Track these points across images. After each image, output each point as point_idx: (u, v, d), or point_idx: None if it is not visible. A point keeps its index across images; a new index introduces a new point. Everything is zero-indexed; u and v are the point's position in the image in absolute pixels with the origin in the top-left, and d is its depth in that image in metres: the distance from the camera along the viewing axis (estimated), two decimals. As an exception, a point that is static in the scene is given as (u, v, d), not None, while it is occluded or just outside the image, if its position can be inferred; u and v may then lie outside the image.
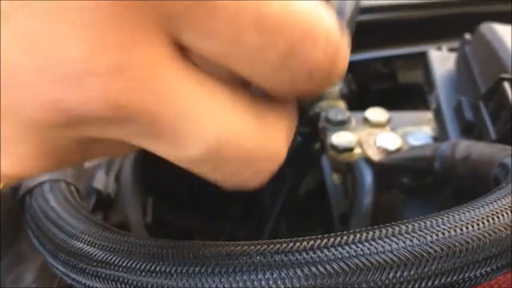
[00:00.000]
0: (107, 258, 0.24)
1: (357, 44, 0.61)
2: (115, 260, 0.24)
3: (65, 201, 0.30)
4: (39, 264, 0.34)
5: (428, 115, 0.45)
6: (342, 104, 0.58)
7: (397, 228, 0.22)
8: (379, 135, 0.40)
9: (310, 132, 0.46)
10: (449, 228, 0.22)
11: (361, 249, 0.21)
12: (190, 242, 0.24)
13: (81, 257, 0.25)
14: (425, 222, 0.22)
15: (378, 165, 0.38)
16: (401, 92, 0.63)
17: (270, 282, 0.21)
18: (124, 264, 0.24)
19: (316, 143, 0.46)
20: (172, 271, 0.23)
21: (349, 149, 0.39)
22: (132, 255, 0.24)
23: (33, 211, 0.30)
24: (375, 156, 0.38)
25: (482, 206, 0.23)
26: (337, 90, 0.60)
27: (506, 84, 0.34)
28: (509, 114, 0.33)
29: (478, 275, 0.22)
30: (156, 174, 0.45)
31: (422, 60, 0.48)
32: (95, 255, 0.25)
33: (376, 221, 0.36)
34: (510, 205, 0.23)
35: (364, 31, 0.61)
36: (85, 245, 0.26)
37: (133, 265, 0.24)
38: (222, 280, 0.22)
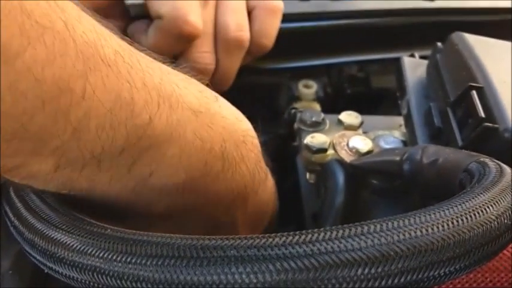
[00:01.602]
0: (84, 248, 0.25)
1: (333, 48, 0.62)
2: (92, 251, 0.25)
3: (44, 192, 0.31)
4: (16, 251, 0.34)
5: (400, 120, 0.46)
6: (317, 107, 0.60)
7: (365, 228, 0.23)
8: (351, 138, 0.41)
9: (286, 133, 0.47)
10: (416, 228, 0.23)
11: (331, 247, 0.22)
12: (166, 235, 0.24)
13: (58, 246, 0.26)
14: (392, 223, 0.23)
15: (350, 167, 0.39)
16: (375, 96, 0.64)
17: (243, 275, 0.22)
18: (101, 254, 0.24)
19: (293, 143, 0.47)
20: (148, 262, 0.23)
21: (323, 150, 0.40)
22: (108, 246, 0.24)
23: (12, 201, 0.30)
24: (347, 157, 0.39)
25: (448, 209, 0.24)
26: (313, 93, 0.61)
27: (474, 93, 0.36)
28: (476, 122, 0.34)
29: (442, 274, 0.23)
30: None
31: (395, 66, 0.49)
32: (72, 245, 0.25)
33: (346, 220, 0.37)
34: (474, 208, 0.24)
35: (341, 36, 0.62)
36: (63, 236, 0.26)
37: (109, 256, 0.24)
38: (196, 272, 0.22)
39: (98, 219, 0.31)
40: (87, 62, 0.24)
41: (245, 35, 0.48)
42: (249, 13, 0.50)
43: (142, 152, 0.28)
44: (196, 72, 0.42)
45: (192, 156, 0.31)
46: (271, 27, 0.51)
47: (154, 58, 0.30)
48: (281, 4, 0.52)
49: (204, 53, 0.47)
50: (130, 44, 0.28)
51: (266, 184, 0.40)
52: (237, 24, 0.48)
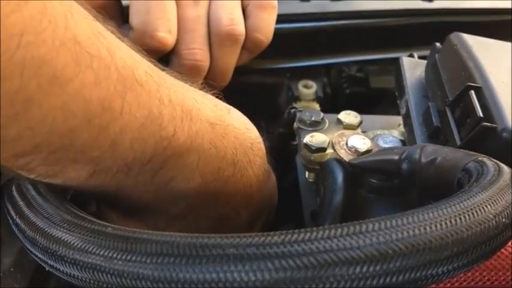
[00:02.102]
0: (85, 246, 0.25)
1: (332, 48, 0.63)
2: (92, 249, 0.25)
3: (45, 191, 0.31)
4: (17, 249, 0.34)
5: (399, 119, 0.46)
6: (316, 106, 0.60)
7: (364, 226, 0.23)
8: (350, 137, 0.41)
9: (286, 132, 0.47)
10: (414, 227, 0.23)
11: (330, 245, 0.22)
12: (166, 233, 0.24)
13: (59, 244, 0.26)
14: (391, 221, 0.23)
15: (349, 166, 0.39)
16: (374, 96, 0.64)
17: (242, 273, 0.22)
18: (101, 253, 0.24)
19: (292, 142, 0.47)
20: (148, 261, 0.23)
21: (322, 149, 0.40)
22: (109, 244, 0.25)
23: (14, 200, 0.30)
24: (346, 156, 0.39)
25: (446, 208, 0.24)
26: (313, 93, 0.61)
27: (472, 93, 0.36)
28: (474, 121, 0.34)
29: (440, 272, 0.23)
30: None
31: (394, 66, 0.49)
32: (73, 243, 0.26)
33: (345, 219, 0.37)
34: (472, 207, 0.25)
35: (340, 36, 0.63)
36: (64, 234, 0.26)
37: (110, 254, 0.24)
38: (195, 270, 0.22)
39: (122, 218, 0.37)
40: (124, 83, 0.28)
41: (238, 29, 0.49)
42: (244, 11, 0.50)
43: (166, 160, 0.32)
44: (188, 69, 0.43)
45: (208, 163, 0.34)
46: (265, 23, 0.51)
47: (175, 76, 0.34)
48: (274, 1, 0.52)
49: (193, 49, 0.47)
50: (155, 65, 0.32)
51: (269, 182, 0.43)
52: (229, 18, 0.48)
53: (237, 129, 0.37)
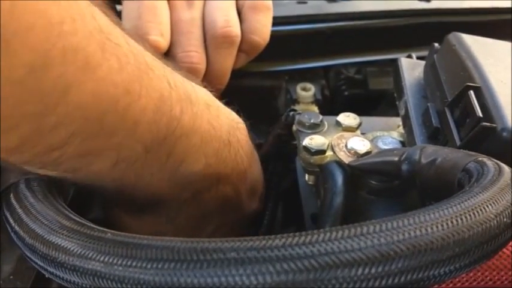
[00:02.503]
0: (85, 253, 0.25)
1: (330, 50, 0.63)
2: (92, 255, 0.25)
3: (44, 198, 0.31)
4: (16, 256, 0.34)
5: (398, 121, 0.46)
6: (315, 109, 0.60)
7: (365, 228, 0.23)
8: (350, 139, 0.41)
9: (285, 134, 0.47)
10: (415, 228, 0.23)
11: (331, 248, 0.22)
12: (166, 238, 0.24)
13: (59, 251, 0.26)
14: (392, 223, 0.23)
15: (349, 168, 0.39)
16: (372, 98, 0.64)
17: (243, 277, 0.22)
18: (101, 259, 0.24)
19: (291, 144, 0.47)
20: (148, 266, 0.23)
21: (321, 152, 0.40)
22: (109, 250, 0.25)
23: (13, 207, 0.30)
24: (346, 158, 0.39)
25: (447, 208, 0.24)
26: (311, 96, 0.61)
27: (471, 93, 0.36)
28: (474, 122, 0.34)
29: (442, 273, 0.23)
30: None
31: (392, 67, 0.49)
32: (73, 250, 0.25)
33: (345, 221, 0.37)
34: (473, 207, 0.25)
35: (338, 38, 0.63)
36: (63, 240, 0.26)
37: (110, 260, 0.24)
38: (196, 275, 0.22)
39: (136, 216, 0.39)
40: (140, 68, 0.31)
41: (234, 30, 0.49)
42: (239, 15, 0.51)
43: (176, 141, 0.34)
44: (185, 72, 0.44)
45: (208, 143, 0.37)
46: (261, 24, 0.51)
47: (168, 64, 0.36)
48: (269, 3, 0.52)
49: (189, 52, 0.48)
50: (153, 54, 0.35)
51: (255, 158, 0.46)
52: (224, 20, 0.49)
53: (225, 110, 0.41)
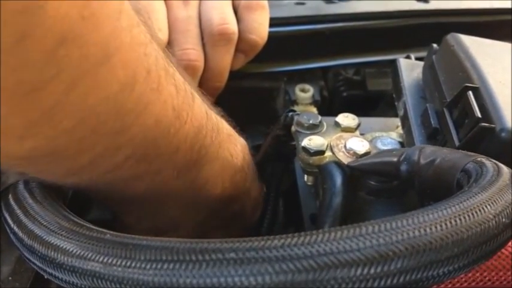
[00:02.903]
0: (84, 253, 0.25)
1: (329, 51, 0.63)
2: (91, 256, 0.25)
3: (43, 199, 0.31)
4: (15, 257, 0.34)
5: (397, 121, 0.46)
6: (314, 111, 0.60)
7: (364, 228, 0.23)
8: (349, 140, 0.41)
9: (283, 134, 0.47)
10: (414, 228, 0.23)
11: (330, 248, 0.22)
12: (165, 239, 0.24)
13: (58, 252, 0.26)
14: (391, 223, 0.23)
15: (348, 168, 0.39)
16: (371, 98, 0.64)
17: (242, 278, 0.22)
18: (100, 259, 0.24)
19: (290, 145, 0.47)
20: (148, 267, 0.23)
21: (320, 152, 0.40)
22: (108, 251, 0.24)
23: (11, 208, 0.30)
24: (345, 159, 0.39)
25: (445, 209, 0.24)
26: (310, 97, 0.61)
27: (470, 93, 0.36)
28: (473, 122, 0.34)
29: (441, 273, 0.23)
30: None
31: (391, 67, 0.49)
32: (72, 250, 0.25)
33: (344, 221, 0.37)
34: (471, 208, 0.25)
35: (336, 38, 0.63)
36: (62, 241, 0.26)
37: (109, 261, 0.24)
38: (195, 275, 0.22)
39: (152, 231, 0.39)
40: (188, 95, 0.32)
41: (230, 27, 0.49)
42: (236, 16, 0.51)
43: (201, 168, 0.36)
44: (183, 70, 0.44)
45: (226, 170, 0.39)
46: (257, 23, 0.51)
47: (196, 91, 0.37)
48: (264, 2, 0.53)
49: (187, 49, 0.48)
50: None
51: (255, 173, 0.47)
52: (220, 18, 0.49)
53: (239, 138, 0.42)
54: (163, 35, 0.47)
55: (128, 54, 0.25)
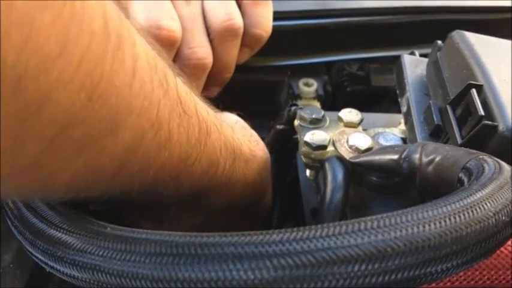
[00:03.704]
0: (84, 247, 0.25)
1: (333, 46, 0.63)
2: (92, 249, 0.25)
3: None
4: (16, 246, 0.34)
5: (399, 117, 0.46)
6: (317, 105, 0.60)
7: (363, 224, 0.23)
8: (351, 135, 0.41)
9: (286, 128, 0.47)
10: (412, 225, 0.23)
11: (328, 243, 0.22)
12: (165, 232, 0.24)
13: (59, 245, 0.26)
14: (390, 219, 0.23)
15: (349, 163, 0.39)
16: (375, 94, 0.64)
17: (241, 272, 0.22)
18: (100, 253, 0.24)
19: (293, 139, 0.47)
20: (147, 260, 0.23)
21: (323, 147, 0.40)
22: (108, 245, 0.25)
23: (13, 201, 0.31)
24: (347, 154, 0.39)
25: (445, 206, 0.24)
26: (313, 91, 0.61)
27: (474, 91, 0.36)
28: (476, 120, 0.34)
29: (439, 270, 0.23)
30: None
31: (395, 63, 0.49)
32: (73, 244, 0.26)
33: (345, 216, 0.37)
34: (471, 205, 0.25)
35: (341, 33, 0.63)
36: (63, 235, 0.26)
37: (109, 254, 0.24)
38: (194, 269, 0.22)
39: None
40: (200, 139, 0.32)
41: (236, 22, 0.49)
42: (239, 8, 0.51)
43: (209, 193, 0.37)
44: (193, 69, 0.43)
45: (236, 187, 0.39)
46: (262, 17, 0.51)
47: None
48: None
49: (194, 48, 0.48)
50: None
51: (270, 181, 0.47)
52: (225, 13, 0.49)
53: (256, 152, 0.42)
54: (178, 24, 0.47)
55: (137, 119, 0.25)
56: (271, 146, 0.49)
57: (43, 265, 0.28)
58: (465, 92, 0.36)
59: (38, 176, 0.23)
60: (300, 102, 0.60)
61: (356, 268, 0.22)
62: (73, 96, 0.20)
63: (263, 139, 0.50)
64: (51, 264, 0.27)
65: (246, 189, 0.41)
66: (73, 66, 0.20)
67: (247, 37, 0.51)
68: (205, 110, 0.34)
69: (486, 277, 0.31)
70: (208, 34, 0.49)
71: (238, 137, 0.39)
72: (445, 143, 0.37)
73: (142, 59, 0.25)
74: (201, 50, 0.48)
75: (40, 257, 0.27)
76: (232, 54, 0.51)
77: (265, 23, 0.51)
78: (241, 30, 0.50)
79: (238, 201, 0.41)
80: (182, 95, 0.30)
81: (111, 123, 0.23)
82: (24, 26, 0.17)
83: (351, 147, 0.40)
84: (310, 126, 0.43)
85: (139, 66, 0.24)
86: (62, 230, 0.27)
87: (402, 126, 0.44)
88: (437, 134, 0.39)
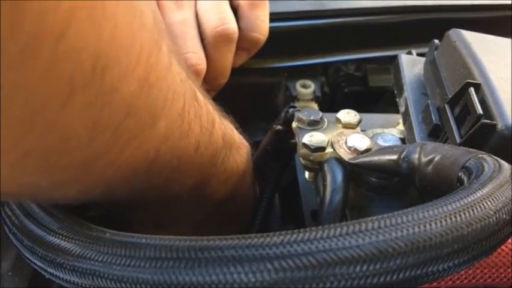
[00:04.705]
0: (84, 253, 0.25)
1: (330, 47, 0.63)
2: (91, 255, 0.25)
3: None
4: (15, 253, 0.34)
5: (398, 117, 0.46)
6: (315, 106, 0.60)
7: (363, 225, 0.23)
8: (349, 136, 0.40)
9: (284, 130, 0.47)
10: (413, 225, 0.23)
11: (329, 245, 0.22)
12: (164, 237, 0.24)
13: (58, 252, 0.26)
14: (390, 219, 0.23)
15: (348, 165, 0.39)
16: (372, 95, 0.64)
17: (242, 275, 0.22)
18: (100, 258, 0.24)
19: (291, 141, 0.47)
20: (147, 265, 0.23)
21: (321, 149, 0.40)
22: (107, 250, 0.24)
23: (11, 208, 0.30)
24: (346, 155, 0.39)
25: (446, 205, 0.24)
26: (311, 93, 0.61)
27: (472, 90, 0.36)
28: (474, 119, 0.34)
29: (441, 269, 0.23)
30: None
31: (392, 63, 0.49)
32: (72, 250, 0.25)
33: (345, 217, 0.37)
34: (472, 204, 0.24)
35: (337, 34, 0.63)
36: (62, 241, 0.26)
37: (108, 259, 0.24)
38: (195, 273, 0.22)
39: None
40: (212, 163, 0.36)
41: (230, 27, 0.48)
42: (236, 11, 0.50)
43: (210, 179, 0.38)
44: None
45: (231, 177, 0.40)
46: (260, 20, 0.51)
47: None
48: None
49: (187, 54, 0.47)
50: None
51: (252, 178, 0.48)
52: (219, 18, 0.48)
53: (244, 142, 0.43)
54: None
55: (170, 109, 0.27)
56: (267, 149, 0.49)
57: (42, 272, 0.28)
58: (463, 91, 0.36)
59: (92, 171, 0.25)
60: (297, 104, 0.60)
61: (357, 269, 0.22)
62: (132, 86, 0.22)
63: (260, 142, 0.50)
64: (51, 270, 0.27)
65: (239, 180, 0.42)
66: (135, 57, 0.22)
67: (244, 41, 0.50)
68: (208, 101, 0.35)
69: (487, 275, 0.31)
70: (202, 39, 0.48)
71: (230, 127, 0.40)
72: (444, 142, 0.37)
73: (174, 53, 0.27)
74: (194, 56, 0.47)
75: (39, 263, 0.27)
76: (227, 59, 0.50)
77: (262, 26, 0.51)
78: (236, 35, 0.49)
79: (233, 193, 0.42)
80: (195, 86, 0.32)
81: (153, 113, 0.25)
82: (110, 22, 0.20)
83: (349, 148, 0.40)
84: (308, 128, 0.43)
85: (172, 60, 0.26)
86: (60, 236, 0.27)
87: (401, 127, 0.44)
88: (436, 133, 0.38)
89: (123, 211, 0.37)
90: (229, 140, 0.38)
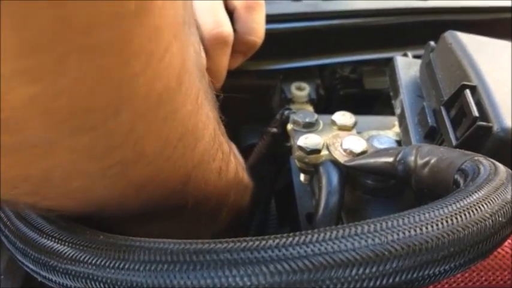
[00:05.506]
0: (77, 256, 0.25)
1: (325, 49, 0.62)
2: (85, 258, 0.24)
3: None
4: (7, 256, 0.34)
5: (394, 120, 0.45)
6: (310, 109, 0.59)
7: (359, 228, 0.23)
8: (345, 138, 0.40)
9: (279, 133, 0.47)
10: (410, 228, 0.23)
11: (325, 248, 0.22)
12: (159, 240, 0.24)
13: (51, 255, 0.26)
14: (386, 222, 0.23)
15: (344, 167, 0.39)
16: (368, 97, 0.64)
17: (237, 278, 0.22)
18: (93, 261, 0.24)
19: (286, 144, 0.46)
20: (141, 268, 0.23)
21: (317, 151, 0.40)
22: (101, 253, 0.24)
23: (3, 210, 0.30)
24: (341, 158, 0.39)
25: (442, 208, 0.24)
26: (306, 95, 0.60)
27: (467, 92, 0.35)
28: (470, 121, 0.34)
29: (437, 272, 0.23)
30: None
31: (388, 65, 0.49)
32: (65, 253, 0.25)
33: (341, 220, 0.37)
34: (468, 207, 0.24)
35: (333, 36, 0.62)
36: (55, 244, 0.26)
37: (102, 262, 0.24)
38: (189, 276, 0.22)
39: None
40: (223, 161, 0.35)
41: (225, 30, 0.48)
42: (232, 14, 0.50)
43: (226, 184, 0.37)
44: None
45: (235, 186, 0.40)
46: (256, 23, 0.50)
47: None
48: (262, 1, 0.52)
49: None
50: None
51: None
52: (214, 21, 0.48)
53: (237, 155, 0.43)
54: None
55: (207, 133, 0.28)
56: (262, 153, 0.49)
57: (35, 275, 0.27)
58: (459, 93, 0.36)
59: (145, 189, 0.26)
60: (292, 107, 0.60)
61: (353, 272, 0.22)
62: (190, 106, 0.24)
63: (255, 145, 0.50)
64: (43, 274, 0.26)
65: (237, 186, 0.41)
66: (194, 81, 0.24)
67: (240, 44, 0.50)
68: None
69: (484, 278, 0.31)
70: None
71: (224, 131, 0.40)
72: (440, 144, 0.37)
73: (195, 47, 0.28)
74: None
75: (32, 266, 0.27)
76: (222, 62, 0.50)
77: (259, 30, 0.51)
78: (231, 38, 0.49)
79: (235, 199, 0.41)
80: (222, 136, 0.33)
81: (195, 135, 0.26)
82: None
83: (345, 150, 0.40)
84: (304, 130, 0.43)
85: (193, 55, 0.27)
86: (53, 239, 0.26)
87: (396, 129, 0.44)
88: (432, 135, 0.38)
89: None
90: (228, 145, 0.38)
